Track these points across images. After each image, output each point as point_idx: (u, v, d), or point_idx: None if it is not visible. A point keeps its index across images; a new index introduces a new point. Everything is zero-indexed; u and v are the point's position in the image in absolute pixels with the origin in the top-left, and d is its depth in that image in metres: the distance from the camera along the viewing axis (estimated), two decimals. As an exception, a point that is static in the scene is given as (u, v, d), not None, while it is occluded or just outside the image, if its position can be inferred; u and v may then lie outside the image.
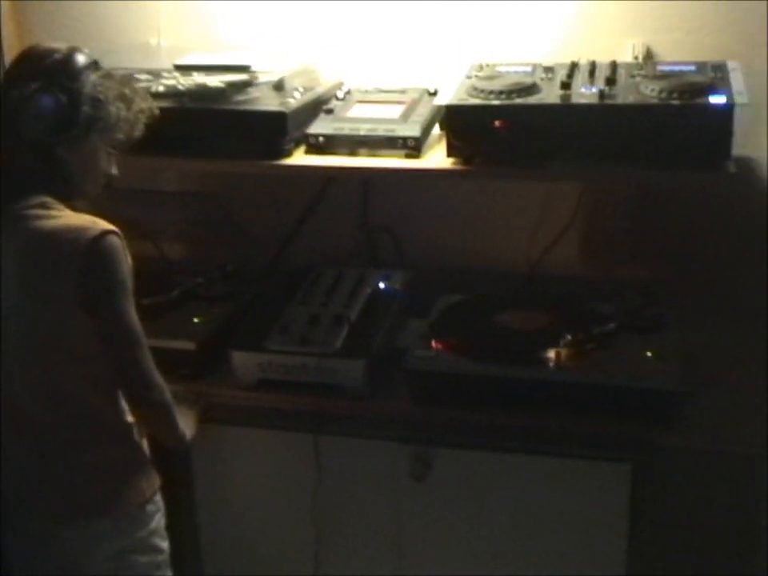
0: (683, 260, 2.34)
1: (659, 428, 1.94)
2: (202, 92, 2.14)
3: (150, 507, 1.87)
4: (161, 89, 2.16)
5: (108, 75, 1.81)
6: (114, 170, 1.85)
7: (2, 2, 2.34)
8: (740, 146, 2.16)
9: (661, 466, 1.95)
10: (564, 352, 2.04)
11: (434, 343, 2.11)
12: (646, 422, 1.95)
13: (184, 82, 2.18)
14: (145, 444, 1.89)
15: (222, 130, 2.12)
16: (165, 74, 2.25)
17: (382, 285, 2.35)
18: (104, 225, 1.71)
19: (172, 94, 2.15)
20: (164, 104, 2.12)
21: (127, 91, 1.82)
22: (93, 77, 1.76)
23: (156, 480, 1.90)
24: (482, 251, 2.46)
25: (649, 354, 2.02)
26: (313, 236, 2.50)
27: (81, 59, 1.76)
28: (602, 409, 1.98)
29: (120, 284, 1.72)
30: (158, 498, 1.91)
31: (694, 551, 2.01)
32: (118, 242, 1.71)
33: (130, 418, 1.84)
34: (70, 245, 1.68)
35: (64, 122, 1.72)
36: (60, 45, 1.77)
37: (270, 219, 2.52)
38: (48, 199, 1.74)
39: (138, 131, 1.86)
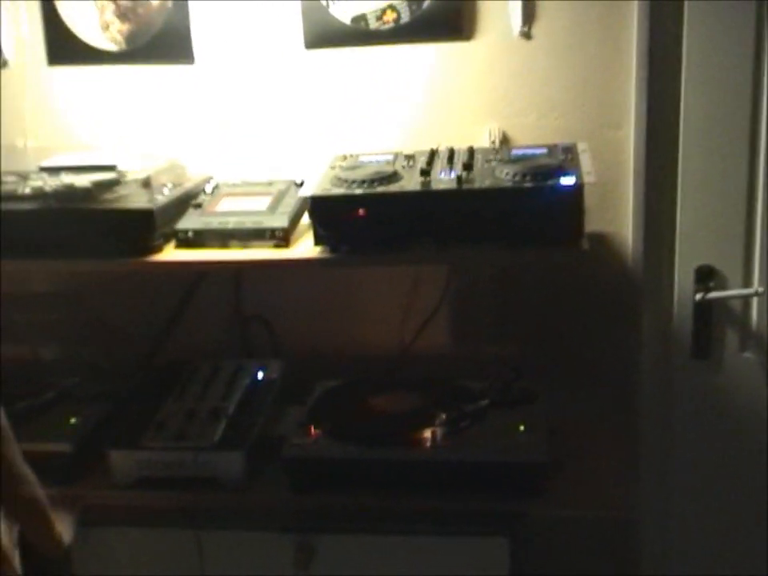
0: (548, 335, 2.42)
1: (532, 499, 1.98)
2: (69, 192, 2.14)
3: None
4: (27, 191, 2.16)
5: None
6: None
7: None
8: (596, 223, 2.29)
9: (536, 537, 2.00)
10: (438, 431, 2.08)
11: (311, 430, 2.14)
12: (519, 495, 1.99)
13: (51, 183, 2.19)
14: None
15: (90, 230, 2.11)
16: (32, 176, 2.25)
17: (259, 375, 2.36)
18: None
19: (39, 195, 2.15)
20: (31, 206, 2.14)
21: None
22: None
23: None
24: (357, 336, 2.50)
25: (520, 427, 2.08)
26: (188, 330, 2.51)
27: None
28: (477, 485, 2.01)
29: None
30: None
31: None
32: None
33: None
34: None
35: None
36: None
37: (144, 315, 2.52)
38: None
39: None
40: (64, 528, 1.92)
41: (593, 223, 2.25)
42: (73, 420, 2.23)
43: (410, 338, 2.45)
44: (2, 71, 2.43)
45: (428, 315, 2.42)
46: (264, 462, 2.13)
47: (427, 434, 2.07)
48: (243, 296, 2.51)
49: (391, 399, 2.24)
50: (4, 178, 2.23)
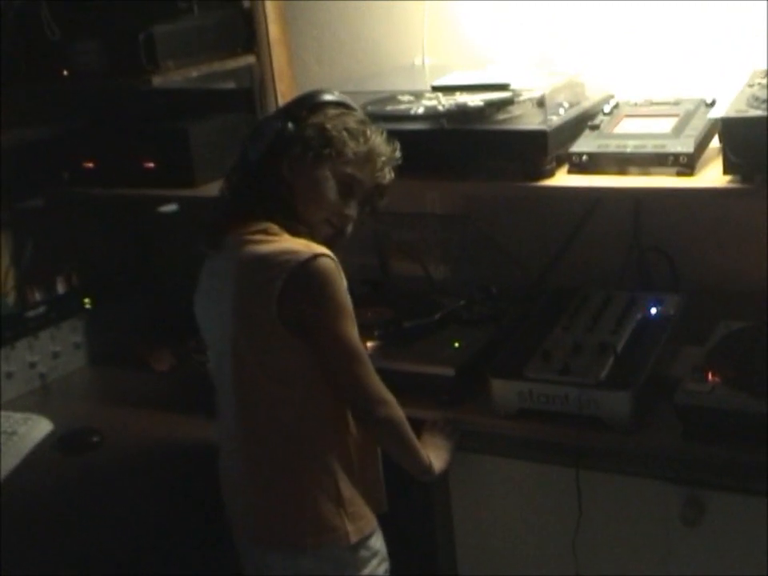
0: None
1: None
2: (461, 113, 2.09)
3: (362, 552, 1.80)
4: (420, 111, 2.14)
5: (346, 113, 1.82)
6: (350, 213, 1.84)
7: (271, 27, 2.39)
8: None
9: None
10: None
11: (709, 375, 1.95)
12: None
13: (445, 102, 2.14)
14: (360, 486, 1.83)
15: (480, 151, 2.06)
16: (427, 95, 2.22)
17: (653, 309, 2.19)
18: (317, 248, 1.73)
19: (432, 115, 2.12)
20: (422, 126, 2.12)
21: (359, 127, 1.81)
22: (330, 111, 1.79)
23: (367, 525, 1.82)
24: (771, 275, 2.24)
25: None
26: (581, 256, 2.38)
27: (323, 96, 1.81)
28: None
29: (331, 303, 1.72)
30: (376, 543, 1.84)
31: None
32: (329, 264, 1.72)
33: (338, 458, 1.80)
34: (279, 267, 1.70)
35: (285, 143, 1.76)
36: (325, 88, 1.84)
37: (537, 239, 2.42)
38: (271, 226, 1.77)
39: (381, 176, 1.85)
40: (439, 456, 1.92)
41: None
42: (457, 344, 2.21)
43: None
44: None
45: None
46: (653, 404, 2.00)
47: None
48: (642, 224, 2.33)
49: (806, 348, 1.98)
50: (399, 97, 2.23)
